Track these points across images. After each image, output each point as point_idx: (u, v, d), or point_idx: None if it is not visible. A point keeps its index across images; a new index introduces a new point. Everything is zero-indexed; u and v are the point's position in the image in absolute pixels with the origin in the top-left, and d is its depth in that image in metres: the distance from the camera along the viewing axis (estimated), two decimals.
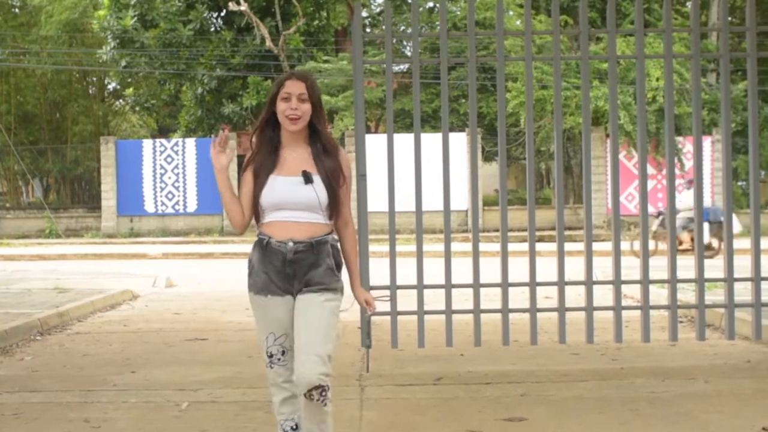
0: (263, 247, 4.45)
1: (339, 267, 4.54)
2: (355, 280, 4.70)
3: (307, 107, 4.43)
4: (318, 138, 4.52)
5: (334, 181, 4.46)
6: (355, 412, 6.38)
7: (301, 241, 4.40)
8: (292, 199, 4.39)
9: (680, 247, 20.78)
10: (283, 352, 4.57)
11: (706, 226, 20.81)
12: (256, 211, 4.49)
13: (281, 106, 4.43)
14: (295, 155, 4.48)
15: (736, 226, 20.91)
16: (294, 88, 4.42)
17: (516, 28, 30.22)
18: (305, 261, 4.41)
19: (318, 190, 4.41)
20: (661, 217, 21.54)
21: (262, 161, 4.48)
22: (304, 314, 4.42)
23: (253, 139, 4.56)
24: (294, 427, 4.63)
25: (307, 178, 4.39)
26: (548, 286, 8.15)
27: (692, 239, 20.94)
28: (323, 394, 4.37)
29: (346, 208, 4.56)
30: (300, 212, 4.41)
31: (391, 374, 7.62)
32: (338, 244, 4.57)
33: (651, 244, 21.12)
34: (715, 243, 20.80)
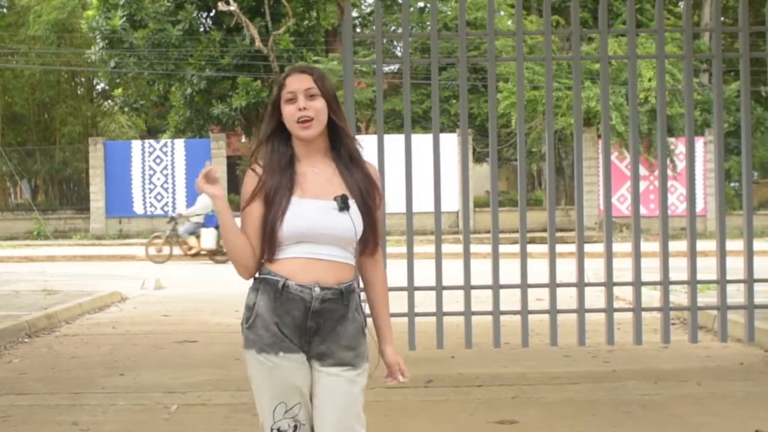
0: (278, 291, 3.32)
1: (366, 324, 3.51)
2: (389, 337, 3.62)
3: (319, 104, 3.37)
4: (341, 145, 3.46)
5: (371, 201, 3.43)
6: None
7: (329, 286, 3.34)
8: (324, 230, 3.32)
9: (189, 252, 21.99)
10: (296, 428, 3.41)
11: (212, 231, 21.76)
12: (269, 245, 3.37)
13: (287, 110, 3.38)
14: (317, 171, 3.42)
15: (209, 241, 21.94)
16: (298, 83, 3.39)
17: (507, 28, 30.26)
18: (334, 313, 3.36)
19: (355, 219, 3.35)
20: (173, 223, 22.51)
21: (276, 181, 3.37)
22: (333, 396, 3.38)
23: (259, 162, 3.45)
24: None
25: (344, 204, 3.33)
26: (540, 288, 8.13)
27: (199, 243, 22.08)
28: None
29: (379, 237, 3.54)
30: (328, 248, 3.34)
31: (381, 376, 7.57)
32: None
33: (166, 250, 21.98)
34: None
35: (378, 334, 3.59)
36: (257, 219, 3.37)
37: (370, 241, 3.45)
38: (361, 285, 3.55)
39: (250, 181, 3.43)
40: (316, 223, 3.31)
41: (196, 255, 22.04)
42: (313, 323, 3.34)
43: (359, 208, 3.37)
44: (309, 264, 3.34)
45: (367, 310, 3.56)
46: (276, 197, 3.35)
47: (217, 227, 21.58)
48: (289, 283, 3.32)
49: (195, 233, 22.11)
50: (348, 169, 3.43)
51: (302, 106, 3.36)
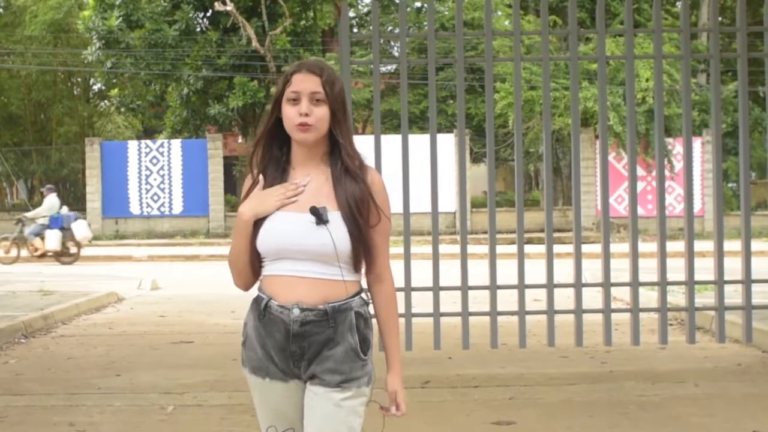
0: (261, 311, 3.10)
1: (367, 345, 3.17)
2: (392, 363, 3.30)
3: (323, 112, 3.07)
4: (339, 154, 3.15)
5: (360, 217, 3.08)
6: None
7: (310, 307, 3.04)
8: (299, 246, 3.03)
9: (35, 254, 22.16)
10: None
11: (57, 232, 22.01)
12: (257, 260, 3.16)
13: (288, 111, 3.09)
14: (308, 178, 3.15)
15: (83, 231, 22.35)
16: (304, 84, 3.08)
17: (504, 28, 30.20)
18: (317, 337, 3.06)
19: (335, 233, 3.02)
20: (20, 224, 22.67)
21: (265, 188, 3.16)
22: (314, 417, 3.11)
23: (254, 160, 3.24)
24: None
25: (319, 217, 3.02)
26: (537, 289, 8.11)
27: (44, 244, 22.24)
28: None
29: (383, 258, 3.21)
30: (309, 264, 3.05)
31: (378, 377, 7.55)
32: (367, 312, 3.19)
33: (13, 252, 22.01)
34: (74, 249, 22.29)
35: (386, 359, 3.29)
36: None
37: (360, 261, 3.12)
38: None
39: (246, 189, 3.23)
40: (290, 239, 3.04)
41: (43, 256, 22.26)
42: (296, 347, 3.06)
43: (345, 223, 3.03)
44: (291, 282, 3.06)
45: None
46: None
47: (62, 228, 22.08)
48: (271, 304, 3.07)
49: (40, 235, 22.32)
50: (341, 179, 3.11)
51: (304, 111, 3.05)
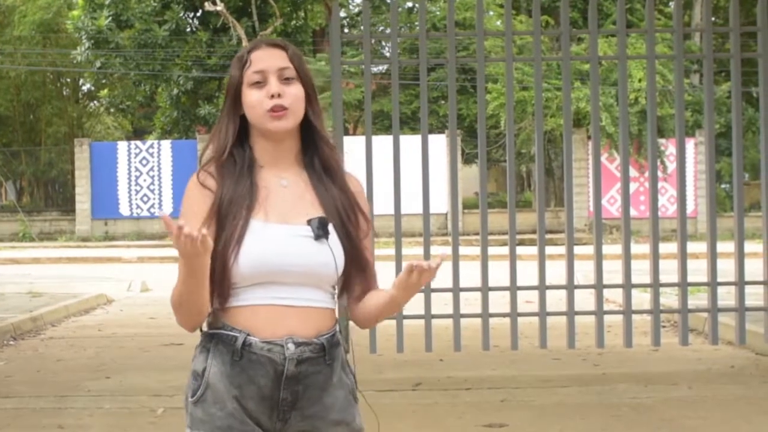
0: (236, 351, 2.44)
1: (356, 383, 2.65)
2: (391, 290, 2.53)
3: (296, 90, 2.50)
4: (315, 150, 2.58)
5: (351, 227, 2.55)
6: None
7: (306, 341, 2.46)
8: (295, 267, 2.44)
9: None
10: None
11: None
12: (219, 287, 2.46)
13: (253, 97, 2.49)
14: (285, 184, 2.55)
15: None
16: (269, 61, 2.51)
17: (496, 28, 30.19)
18: (314, 378, 2.48)
19: (335, 250, 2.49)
20: None
21: (231, 192, 2.49)
22: None
23: (208, 170, 2.57)
24: None
25: (321, 229, 2.47)
26: (529, 291, 8.10)
27: None
28: None
29: (370, 279, 2.63)
30: (302, 290, 2.47)
31: (369, 380, 7.52)
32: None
33: None
34: None
35: (381, 297, 2.56)
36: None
37: (355, 283, 2.57)
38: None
39: (193, 194, 2.54)
40: (285, 258, 2.43)
41: None
42: (287, 394, 2.46)
43: (338, 236, 2.50)
44: (278, 313, 2.45)
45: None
46: (228, 219, 2.46)
47: None
48: (252, 340, 2.43)
49: None
50: (322, 182, 2.56)
51: (275, 91, 2.47)
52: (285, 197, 2.51)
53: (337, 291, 2.56)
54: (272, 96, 2.47)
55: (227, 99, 2.56)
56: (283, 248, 2.44)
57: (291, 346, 2.43)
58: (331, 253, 2.45)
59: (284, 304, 2.45)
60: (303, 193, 2.54)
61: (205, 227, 2.30)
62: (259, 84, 2.49)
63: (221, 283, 2.44)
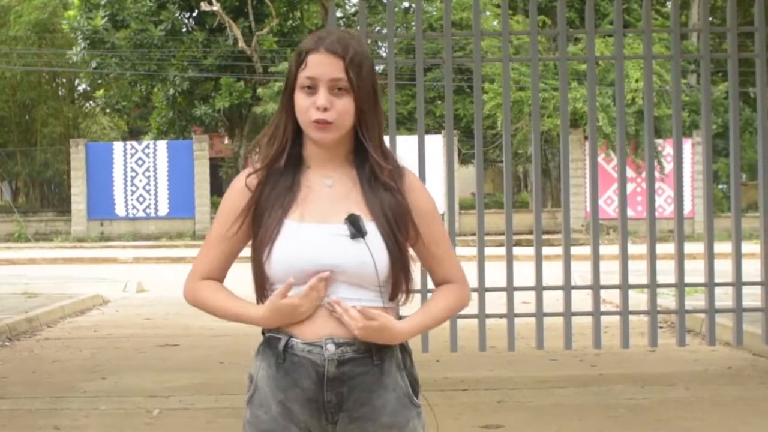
0: (279, 355, 2.44)
1: (417, 386, 2.57)
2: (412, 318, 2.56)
3: (345, 104, 2.41)
4: (366, 152, 2.49)
5: (399, 232, 2.46)
6: None
7: (349, 341, 2.40)
8: (330, 267, 2.39)
9: None
10: None
11: None
12: (258, 288, 2.49)
13: (302, 102, 2.42)
14: (330, 183, 2.50)
15: None
16: (322, 68, 2.40)
17: (493, 28, 30.21)
18: (360, 379, 2.42)
19: (374, 248, 2.41)
20: None
21: (269, 190, 2.48)
22: None
23: (254, 157, 2.56)
24: None
25: (356, 227, 2.40)
26: (526, 291, 8.08)
27: None
28: None
29: (449, 266, 2.70)
30: (345, 290, 2.41)
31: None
32: (409, 344, 2.58)
33: None
34: None
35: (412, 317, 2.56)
36: (236, 245, 2.54)
37: (400, 288, 2.48)
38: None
39: (237, 195, 2.52)
40: (317, 258, 2.38)
41: None
42: (332, 395, 2.41)
43: (383, 237, 2.42)
44: (317, 313, 2.40)
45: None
46: (264, 218, 2.44)
47: None
48: (294, 342, 2.41)
49: None
50: (371, 183, 2.48)
51: (322, 104, 2.39)
52: (327, 197, 2.47)
53: (388, 289, 2.46)
54: (318, 108, 2.39)
55: (284, 92, 2.49)
56: (317, 248, 2.39)
57: (330, 347, 2.39)
58: (368, 252, 2.39)
59: (321, 305, 2.41)
60: (348, 192, 2.48)
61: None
62: (310, 90, 2.41)
63: (260, 283, 2.45)
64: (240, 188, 2.51)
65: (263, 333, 2.51)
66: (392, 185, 2.47)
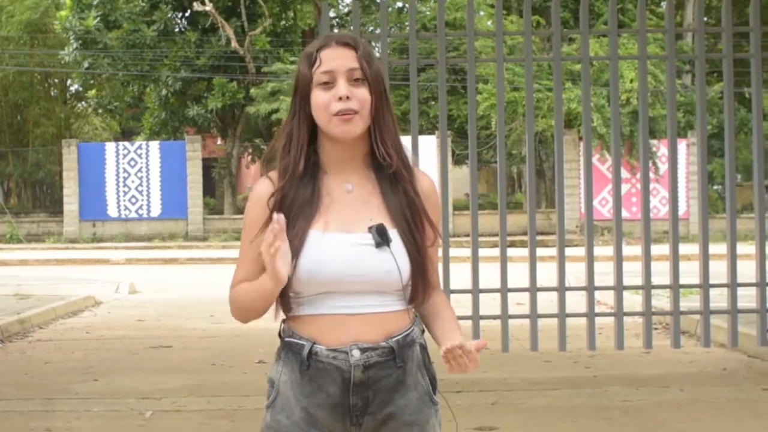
0: (303, 361, 2.45)
1: (436, 384, 2.56)
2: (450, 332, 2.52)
3: (365, 93, 2.40)
4: (386, 156, 2.48)
5: (419, 235, 2.47)
6: None
7: (373, 346, 2.43)
8: (355, 278, 2.40)
9: None
10: None
11: None
12: (282, 297, 2.46)
13: (321, 98, 2.40)
14: (350, 188, 2.49)
15: None
16: (338, 60, 2.41)
17: (487, 28, 30.22)
18: (385, 382, 2.44)
19: (399, 256, 2.42)
20: None
21: (292, 203, 2.45)
22: None
23: (269, 176, 2.53)
24: None
25: (381, 236, 2.40)
26: (520, 293, 8.07)
27: None
28: None
29: (429, 286, 2.53)
30: (365, 298, 2.42)
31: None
32: (426, 341, 2.56)
33: None
34: None
35: (439, 336, 2.53)
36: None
37: (419, 291, 2.47)
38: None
39: (257, 204, 2.50)
40: (343, 269, 2.39)
41: None
42: (358, 400, 2.43)
43: (405, 244, 2.43)
44: (341, 320, 2.42)
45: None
46: (288, 229, 2.35)
47: None
48: (318, 349, 2.42)
49: None
50: (390, 185, 2.47)
51: (344, 93, 2.37)
52: (349, 204, 2.46)
53: (408, 292, 2.48)
54: (340, 98, 2.38)
55: (295, 97, 2.48)
56: (341, 258, 2.39)
57: (356, 353, 2.41)
58: (394, 261, 2.40)
59: (345, 313, 2.42)
60: (369, 197, 2.48)
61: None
62: (328, 85, 2.40)
63: (284, 292, 2.42)
64: (260, 199, 2.50)
65: (281, 337, 2.52)
66: (410, 180, 2.50)
